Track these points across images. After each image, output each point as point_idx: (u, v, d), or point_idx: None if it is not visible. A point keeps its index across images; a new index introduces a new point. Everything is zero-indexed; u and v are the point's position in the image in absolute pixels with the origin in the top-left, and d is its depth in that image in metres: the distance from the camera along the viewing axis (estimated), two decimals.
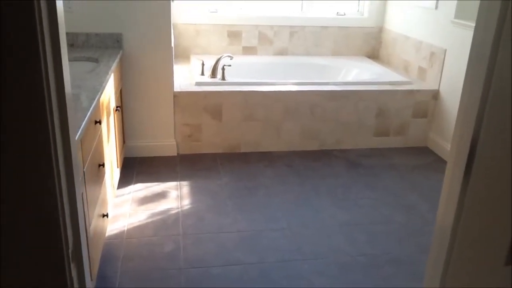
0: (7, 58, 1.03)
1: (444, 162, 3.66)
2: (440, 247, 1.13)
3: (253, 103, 3.57)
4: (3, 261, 1.18)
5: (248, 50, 4.47)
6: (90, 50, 3.13)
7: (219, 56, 3.82)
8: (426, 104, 3.83)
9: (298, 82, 3.75)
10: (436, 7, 3.78)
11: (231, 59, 3.80)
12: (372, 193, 3.17)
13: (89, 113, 1.92)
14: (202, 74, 3.79)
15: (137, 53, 3.31)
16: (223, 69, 3.67)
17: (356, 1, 4.63)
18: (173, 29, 3.95)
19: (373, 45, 4.68)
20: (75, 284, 1.29)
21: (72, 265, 1.25)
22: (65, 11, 3.17)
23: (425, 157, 3.77)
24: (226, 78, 3.67)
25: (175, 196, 3.03)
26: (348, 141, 3.83)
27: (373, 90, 3.73)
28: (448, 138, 3.69)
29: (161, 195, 3.04)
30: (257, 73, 4.22)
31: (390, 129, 3.87)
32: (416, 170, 3.54)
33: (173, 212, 2.85)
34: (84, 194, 1.93)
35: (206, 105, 3.52)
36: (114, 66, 2.79)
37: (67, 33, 3.16)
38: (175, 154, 3.59)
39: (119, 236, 2.59)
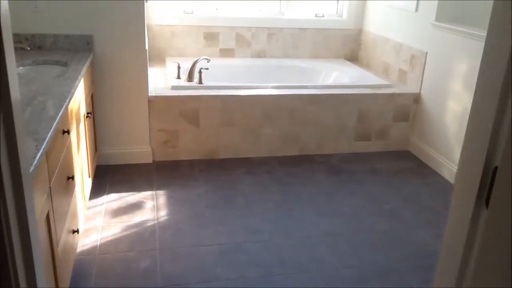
0: None
1: (425, 166, 3.61)
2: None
3: (231, 108, 3.45)
4: None
5: (226, 52, 4.34)
6: (58, 53, 2.95)
7: (195, 59, 3.67)
8: (407, 107, 3.78)
9: (277, 86, 3.64)
10: (416, 10, 3.73)
11: (208, 61, 3.66)
12: (354, 200, 3.09)
13: (55, 123, 1.77)
14: (178, 77, 3.65)
15: (109, 56, 3.15)
16: (200, 72, 3.53)
17: (335, 2, 4.56)
18: (147, 30, 3.80)
19: (352, 47, 4.62)
20: None
21: None
22: (31, 11, 3.03)
23: (407, 161, 3.72)
24: (203, 82, 3.54)
25: (151, 206, 2.88)
26: (329, 146, 3.74)
27: (354, 94, 3.65)
28: (429, 142, 3.64)
29: (136, 206, 2.88)
30: (235, 76, 4.10)
31: (372, 133, 3.80)
32: (398, 175, 3.47)
33: (149, 224, 2.70)
34: (51, 212, 1.78)
35: (183, 110, 3.37)
36: (84, 70, 2.63)
37: (33, 35, 2.98)
38: (151, 161, 3.43)
39: (91, 251, 2.43)
